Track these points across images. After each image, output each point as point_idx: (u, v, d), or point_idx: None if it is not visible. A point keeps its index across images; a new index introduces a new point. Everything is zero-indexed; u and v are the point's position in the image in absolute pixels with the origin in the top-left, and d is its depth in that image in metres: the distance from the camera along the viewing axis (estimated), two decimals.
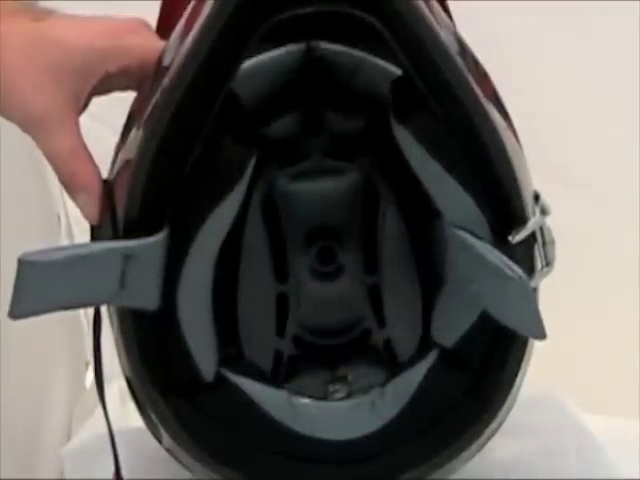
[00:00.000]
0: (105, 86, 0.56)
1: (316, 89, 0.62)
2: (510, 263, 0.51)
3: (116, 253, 0.50)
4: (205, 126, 0.51)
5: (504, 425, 0.59)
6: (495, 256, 0.52)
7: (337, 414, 0.58)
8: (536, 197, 0.55)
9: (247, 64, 0.58)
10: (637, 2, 0.89)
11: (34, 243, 0.50)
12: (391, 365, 0.65)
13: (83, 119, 0.56)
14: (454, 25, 0.57)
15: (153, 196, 0.51)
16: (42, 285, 0.49)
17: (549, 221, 0.55)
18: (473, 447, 0.57)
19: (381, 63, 0.60)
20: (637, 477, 0.69)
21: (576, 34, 0.91)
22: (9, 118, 0.55)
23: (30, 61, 0.53)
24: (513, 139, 0.55)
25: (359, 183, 0.66)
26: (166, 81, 0.50)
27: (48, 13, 0.57)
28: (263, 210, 0.66)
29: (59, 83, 0.53)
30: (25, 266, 0.48)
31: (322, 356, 0.66)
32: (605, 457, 0.71)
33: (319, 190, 0.65)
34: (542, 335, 0.52)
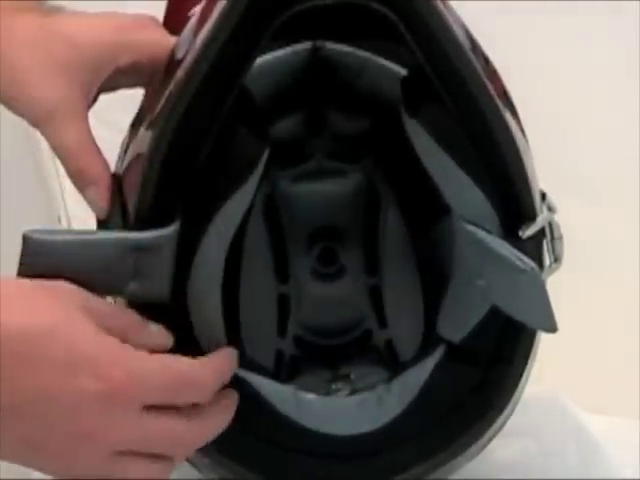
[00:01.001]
0: (115, 82, 0.57)
1: (321, 90, 0.62)
2: (521, 255, 0.52)
3: (127, 244, 0.50)
4: (218, 118, 0.51)
5: (505, 425, 0.59)
6: (506, 249, 0.52)
7: (343, 409, 0.58)
8: (543, 195, 0.55)
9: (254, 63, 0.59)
10: (637, 2, 0.89)
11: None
12: (392, 365, 0.65)
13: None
14: None
15: (166, 189, 0.51)
16: (48, 262, 0.48)
17: None
18: (479, 443, 0.57)
19: (386, 63, 0.60)
20: (637, 477, 0.69)
21: (577, 35, 0.91)
22: (18, 112, 0.55)
23: (40, 56, 0.54)
24: (522, 137, 0.55)
25: (361, 184, 0.66)
26: (180, 73, 0.50)
27: (57, 10, 0.57)
28: (265, 211, 0.66)
29: (69, 78, 0.54)
30: (29, 241, 0.48)
31: (323, 356, 0.66)
32: (605, 457, 0.71)
33: (321, 191, 0.65)
34: (553, 328, 0.53)
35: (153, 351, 0.49)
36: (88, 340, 0.47)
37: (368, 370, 0.64)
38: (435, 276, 0.61)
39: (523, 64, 0.91)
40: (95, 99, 0.57)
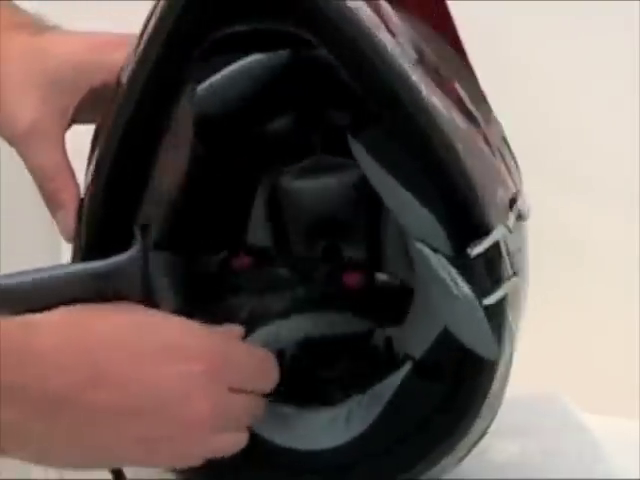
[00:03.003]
0: (91, 107, 0.56)
1: (314, 84, 0.62)
2: (458, 280, 0.51)
3: (84, 274, 0.50)
4: (159, 137, 0.51)
5: (504, 425, 0.59)
6: (445, 271, 0.51)
7: (314, 424, 0.58)
8: (512, 201, 0.54)
9: (243, 61, 0.59)
10: (637, 2, 0.89)
11: (34, 245, 0.50)
12: (390, 364, 0.65)
13: (69, 134, 0.56)
14: (453, 26, 0.56)
15: (110, 213, 0.52)
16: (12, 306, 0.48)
17: (550, 221, 0.55)
18: (448, 459, 0.56)
19: None
20: (637, 477, 0.69)
21: (579, 35, 0.91)
22: None
23: (20, 74, 0.54)
24: (481, 144, 0.54)
25: (363, 179, 0.66)
26: (119, 97, 0.51)
27: (49, 29, 0.57)
28: (267, 208, 0.66)
29: (45, 97, 0.54)
30: None
31: (323, 354, 0.66)
32: (605, 457, 0.71)
33: (323, 187, 0.65)
34: (494, 354, 0.52)
35: None
36: (175, 328, 0.49)
37: (365, 370, 0.64)
38: None
39: (523, 64, 0.92)
40: (73, 121, 0.56)
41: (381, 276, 0.67)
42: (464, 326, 0.52)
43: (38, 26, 0.57)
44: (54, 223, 0.56)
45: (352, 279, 0.66)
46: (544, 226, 0.61)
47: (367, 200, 0.66)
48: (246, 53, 0.59)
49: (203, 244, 0.62)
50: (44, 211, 0.55)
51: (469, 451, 0.58)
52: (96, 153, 0.52)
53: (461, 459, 0.58)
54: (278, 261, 0.66)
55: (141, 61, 0.50)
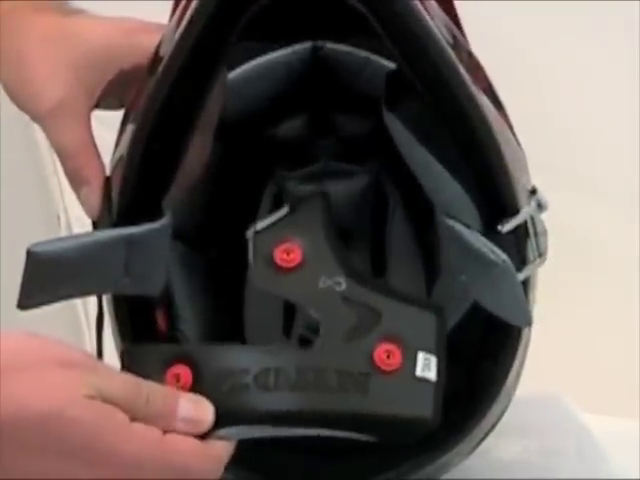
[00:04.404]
0: (117, 89, 0.57)
1: (323, 90, 0.62)
2: (494, 248, 0.51)
3: (118, 240, 0.50)
4: (197, 111, 0.52)
5: (505, 425, 0.59)
6: (480, 242, 0.51)
7: None
8: (533, 191, 0.55)
9: (253, 64, 0.59)
10: (637, 2, 0.90)
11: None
12: None
13: None
14: (457, 19, 0.57)
15: (146, 182, 0.52)
16: (50, 275, 0.49)
17: (551, 220, 0.55)
18: (466, 444, 0.56)
19: (386, 63, 0.60)
20: (637, 477, 0.70)
21: (579, 34, 0.92)
22: (21, 107, 0.56)
23: (49, 53, 0.55)
24: (507, 131, 0.54)
25: (368, 186, 0.66)
26: (159, 69, 0.51)
27: (78, 12, 0.58)
28: (272, 212, 0.66)
29: (75, 77, 0.55)
30: (33, 256, 0.48)
31: None
32: (605, 457, 0.71)
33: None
34: (527, 322, 0.52)
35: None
36: (81, 430, 0.44)
37: None
38: (435, 276, 0.61)
39: (523, 64, 0.92)
40: (98, 103, 0.57)
41: None
42: (500, 294, 0.52)
43: (66, 9, 0.58)
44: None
45: None
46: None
47: (372, 208, 0.66)
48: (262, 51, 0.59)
49: (209, 240, 0.62)
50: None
51: (479, 443, 0.58)
52: (130, 129, 0.52)
53: (469, 452, 0.58)
54: None
55: (185, 32, 0.50)
